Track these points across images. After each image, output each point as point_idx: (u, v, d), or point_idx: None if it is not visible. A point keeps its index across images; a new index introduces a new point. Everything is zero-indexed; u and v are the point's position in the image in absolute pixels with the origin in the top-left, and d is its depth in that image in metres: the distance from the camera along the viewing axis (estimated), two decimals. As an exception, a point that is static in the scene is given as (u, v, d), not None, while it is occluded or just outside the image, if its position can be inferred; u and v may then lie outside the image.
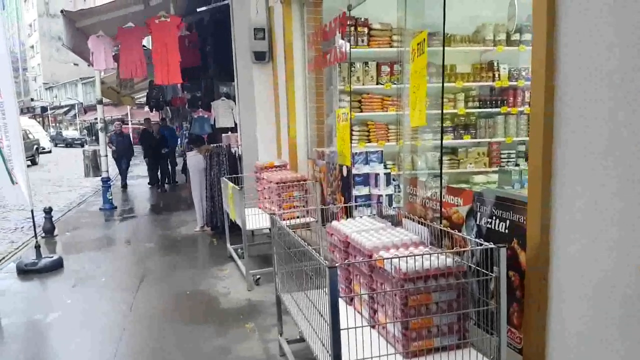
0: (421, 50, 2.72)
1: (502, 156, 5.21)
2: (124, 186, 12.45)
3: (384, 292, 2.24)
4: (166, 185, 12.20)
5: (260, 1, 6.26)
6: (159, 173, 12.15)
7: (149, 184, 12.51)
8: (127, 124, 28.39)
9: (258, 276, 4.88)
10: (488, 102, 5.16)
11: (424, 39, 2.69)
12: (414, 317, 2.11)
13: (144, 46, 8.95)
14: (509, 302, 2.18)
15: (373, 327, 2.39)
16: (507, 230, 2.32)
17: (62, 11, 7.65)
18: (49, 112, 55.39)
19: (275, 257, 3.14)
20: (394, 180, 4.55)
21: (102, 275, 5.46)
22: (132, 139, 14.18)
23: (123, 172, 12.59)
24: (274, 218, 3.10)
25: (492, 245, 2.06)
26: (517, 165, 5.08)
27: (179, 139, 15.35)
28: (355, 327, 2.06)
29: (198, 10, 7.88)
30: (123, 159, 12.39)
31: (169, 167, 12.63)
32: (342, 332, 1.98)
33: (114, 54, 8.52)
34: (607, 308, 1.78)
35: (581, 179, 1.84)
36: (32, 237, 6.08)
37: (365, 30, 4.89)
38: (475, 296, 2.21)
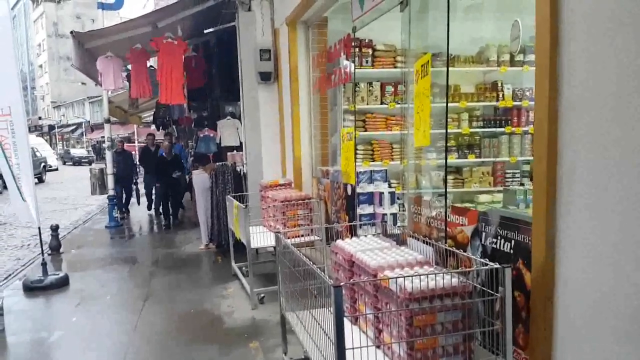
0: (425, 72, 2.76)
1: (507, 176, 5.23)
2: (127, 213, 10.88)
3: (389, 311, 2.24)
4: (172, 217, 9.62)
5: (265, 23, 6.38)
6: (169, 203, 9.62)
7: (148, 208, 10.89)
8: (133, 142, 28.60)
9: (262, 295, 4.87)
10: (492, 122, 5.21)
11: (428, 61, 2.74)
12: (419, 337, 2.10)
13: (151, 66, 9.10)
14: (514, 322, 2.17)
15: (378, 347, 2.38)
16: (512, 250, 2.32)
17: (71, 32, 7.79)
18: (57, 130, 56.03)
19: (280, 275, 3.14)
20: (398, 199, 4.57)
21: (107, 294, 5.46)
22: (137, 158, 12.71)
23: (126, 198, 10.97)
24: (278, 236, 3.11)
25: (497, 266, 2.06)
26: (521, 184, 5.09)
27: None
28: (360, 347, 2.06)
29: (205, 31, 8.02)
30: (123, 182, 10.62)
31: (180, 194, 10.35)
32: (347, 351, 1.98)
33: (125, 74, 8.66)
34: (614, 328, 1.77)
35: (586, 199, 1.85)
36: (39, 254, 6.11)
37: (370, 51, 4.98)
38: (480, 316, 2.21)
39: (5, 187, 5.66)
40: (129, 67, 8.57)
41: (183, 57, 7.39)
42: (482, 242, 2.54)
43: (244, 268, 5.45)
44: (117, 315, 4.78)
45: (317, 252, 4.95)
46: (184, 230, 8.94)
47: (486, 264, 2.12)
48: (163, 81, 7.30)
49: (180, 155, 10.70)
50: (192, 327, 4.39)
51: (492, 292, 2.08)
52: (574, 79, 1.87)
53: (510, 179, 5.20)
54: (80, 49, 7.82)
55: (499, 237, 2.41)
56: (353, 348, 2.02)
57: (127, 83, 9.07)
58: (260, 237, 4.98)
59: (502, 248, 2.38)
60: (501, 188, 5.00)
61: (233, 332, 4.22)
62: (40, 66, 63.17)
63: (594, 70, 1.77)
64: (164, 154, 9.75)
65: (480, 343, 2.24)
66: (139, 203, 12.18)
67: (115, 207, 9.75)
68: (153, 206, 10.66)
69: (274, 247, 3.44)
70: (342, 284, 2.06)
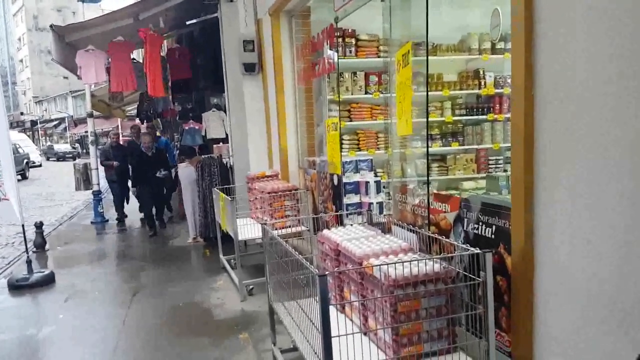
0: (406, 61, 2.78)
1: (490, 162, 5.28)
2: (121, 220, 9.27)
3: (374, 298, 2.28)
4: (158, 223, 8.29)
5: (248, 14, 6.32)
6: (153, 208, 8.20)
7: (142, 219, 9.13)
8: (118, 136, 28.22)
9: (251, 286, 4.89)
10: (475, 110, 5.25)
11: (409, 51, 2.76)
12: (404, 322, 2.15)
13: (133, 59, 8.98)
14: (497, 306, 2.22)
15: (365, 333, 2.42)
16: (493, 236, 2.37)
17: (51, 26, 7.66)
18: (39, 125, 55.14)
19: (268, 266, 3.16)
20: (384, 187, 4.60)
21: (94, 289, 5.43)
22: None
23: (123, 199, 9.40)
24: (265, 228, 3.13)
25: (478, 251, 2.11)
26: (505, 171, 5.16)
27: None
28: (346, 334, 2.09)
29: (187, 23, 7.93)
30: (122, 179, 9.07)
31: (166, 198, 9.00)
32: (333, 339, 2.01)
33: (107, 67, 8.54)
34: (592, 310, 1.82)
35: (562, 184, 1.89)
36: (23, 252, 6.05)
37: (353, 41, 4.98)
38: (464, 301, 2.25)
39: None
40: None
41: (160, 49, 7.37)
42: (465, 228, 2.59)
43: (232, 260, 5.46)
44: (106, 311, 4.77)
45: (305, 242, 4.98)
46: (172, 224, 8.89)
47: (467, 250, 2.16)
48: (150, 74, 7.27)
49: (167, 149, 9.49)
50: (182, 320, 4.40)
51: (474, 277, 2.13)
52: (551, 67, 1.91)
53: (494, 166, 5.26)
54: (60, 42, 7.70)
55: (481, 223, 2.45)
56: (339, 336, 2.05)
57: (108, 76, 8.92)
58: (248, 229, 4.99)
59: (483, 233, 2.42)
60: (485, 174, 5.06)
61: (223, 324, 4.24)
62: (21, 60, 61.90)
63: (593, 69, 1.76)
64: (143, 149, 7.99)
65: (464, 327, 2.29)
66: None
67: (101, 204, 9.60)
68: (139, 210, 9.21)
69: (262, 239, 3.46)
70: (326, 272, 2.09)
